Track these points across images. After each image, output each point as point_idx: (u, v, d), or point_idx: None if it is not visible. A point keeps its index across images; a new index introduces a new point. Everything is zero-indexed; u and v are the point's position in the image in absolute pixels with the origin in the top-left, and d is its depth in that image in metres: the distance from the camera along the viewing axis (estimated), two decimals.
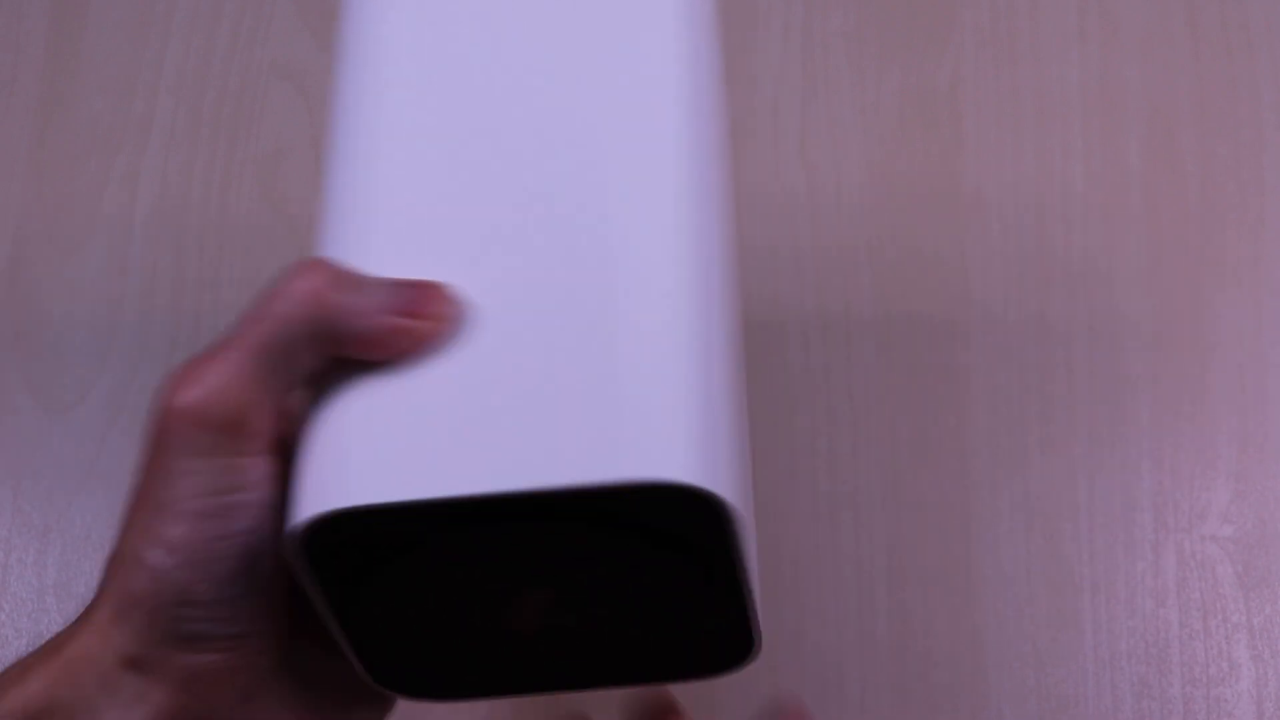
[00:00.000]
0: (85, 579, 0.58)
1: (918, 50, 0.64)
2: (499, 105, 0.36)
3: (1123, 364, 0.59)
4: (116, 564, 0.35)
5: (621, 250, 0.34)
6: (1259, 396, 0.58)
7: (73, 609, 0.36)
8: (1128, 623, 0.55)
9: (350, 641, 0.35)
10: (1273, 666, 0.55)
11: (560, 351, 0.32)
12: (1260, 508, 0.57)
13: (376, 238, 0.36)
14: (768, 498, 0.57)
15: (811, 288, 0.61)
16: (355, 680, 0.37)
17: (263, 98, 0.66)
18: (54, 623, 0.58)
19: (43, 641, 0.36)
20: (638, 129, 0.36)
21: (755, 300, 0.60)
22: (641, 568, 0.33)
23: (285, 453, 0.35)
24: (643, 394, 0.31)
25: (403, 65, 0.38)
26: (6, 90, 0.67)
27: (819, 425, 0.59)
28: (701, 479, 0.30)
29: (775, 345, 0.60)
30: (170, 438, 0.34)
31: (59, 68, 0.67)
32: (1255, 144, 0.61)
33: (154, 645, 0.34)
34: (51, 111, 0.66)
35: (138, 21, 0.67)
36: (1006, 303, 0.60)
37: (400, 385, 0.33)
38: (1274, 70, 0.62)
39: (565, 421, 0.31)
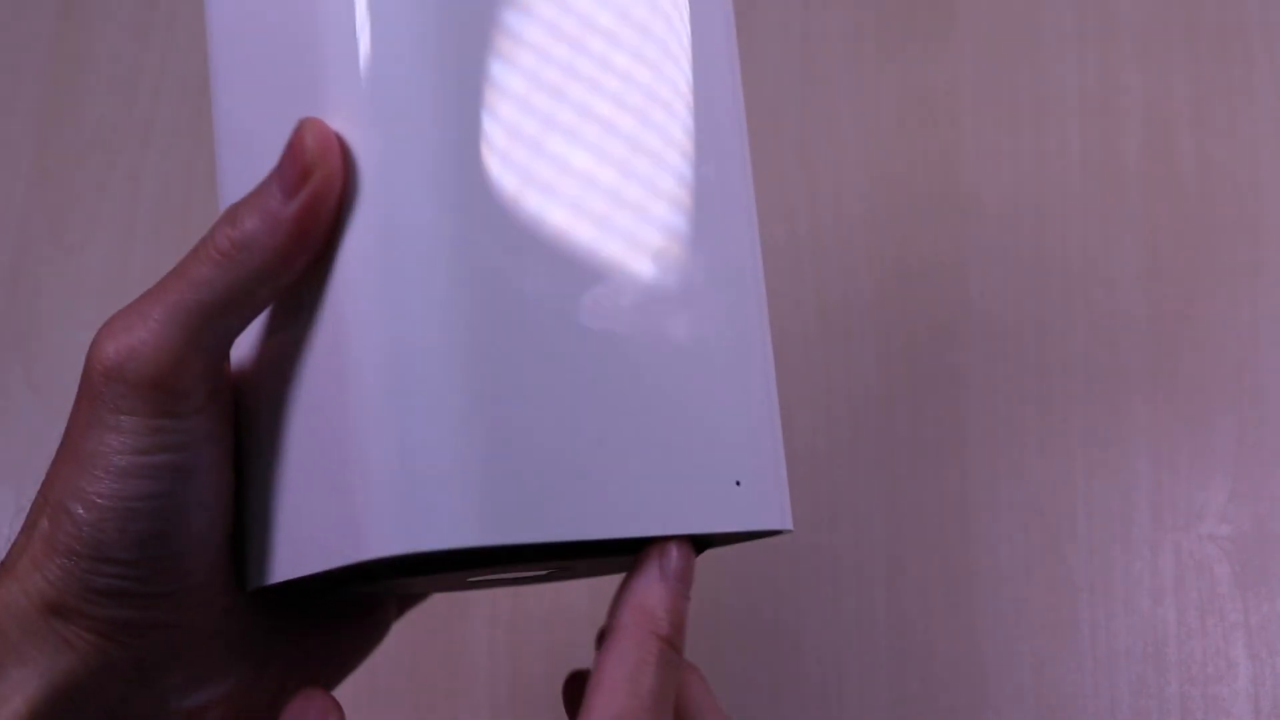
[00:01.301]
0: None
1: (917, 50, 0.64)
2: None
3: (1121, 364, 0.59)
4: (39, 512, 0.35)
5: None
6: (1258, 396, 0.58)
7: None
8: (1125, 621, 0.56)
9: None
10: (1269, 665, 0.55)
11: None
12: (1258, 507, 0.57)
13: None
14: None
15: (810, 288, 0.61)
16: (298, 655, 0.37)
17: None
18: None
19: None
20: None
21: None
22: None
23: (222, 415, 0.35)
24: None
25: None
26: (8, 90, 0.67)
27: (818, 425, 0.59)
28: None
29: (774, 346, 0.60)
30: (101, 392, 0.33)
31: (59, 68, 0.67)
32: (1254, 144, 0.61)
33: (72, 595, 0.34)
34: (52, 111, 0.66)
35: (139, 22, 0.67)
36: (1005, 302, 0.60)
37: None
38: (1273, 70, 0.62)
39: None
